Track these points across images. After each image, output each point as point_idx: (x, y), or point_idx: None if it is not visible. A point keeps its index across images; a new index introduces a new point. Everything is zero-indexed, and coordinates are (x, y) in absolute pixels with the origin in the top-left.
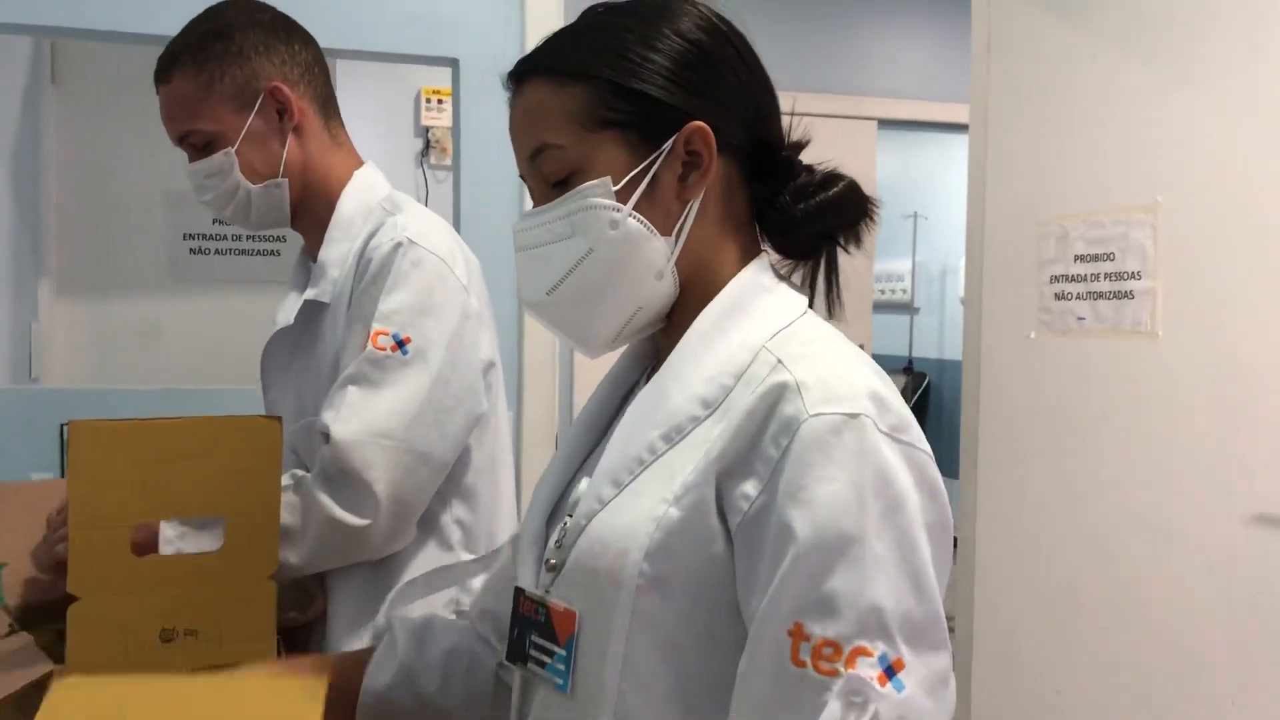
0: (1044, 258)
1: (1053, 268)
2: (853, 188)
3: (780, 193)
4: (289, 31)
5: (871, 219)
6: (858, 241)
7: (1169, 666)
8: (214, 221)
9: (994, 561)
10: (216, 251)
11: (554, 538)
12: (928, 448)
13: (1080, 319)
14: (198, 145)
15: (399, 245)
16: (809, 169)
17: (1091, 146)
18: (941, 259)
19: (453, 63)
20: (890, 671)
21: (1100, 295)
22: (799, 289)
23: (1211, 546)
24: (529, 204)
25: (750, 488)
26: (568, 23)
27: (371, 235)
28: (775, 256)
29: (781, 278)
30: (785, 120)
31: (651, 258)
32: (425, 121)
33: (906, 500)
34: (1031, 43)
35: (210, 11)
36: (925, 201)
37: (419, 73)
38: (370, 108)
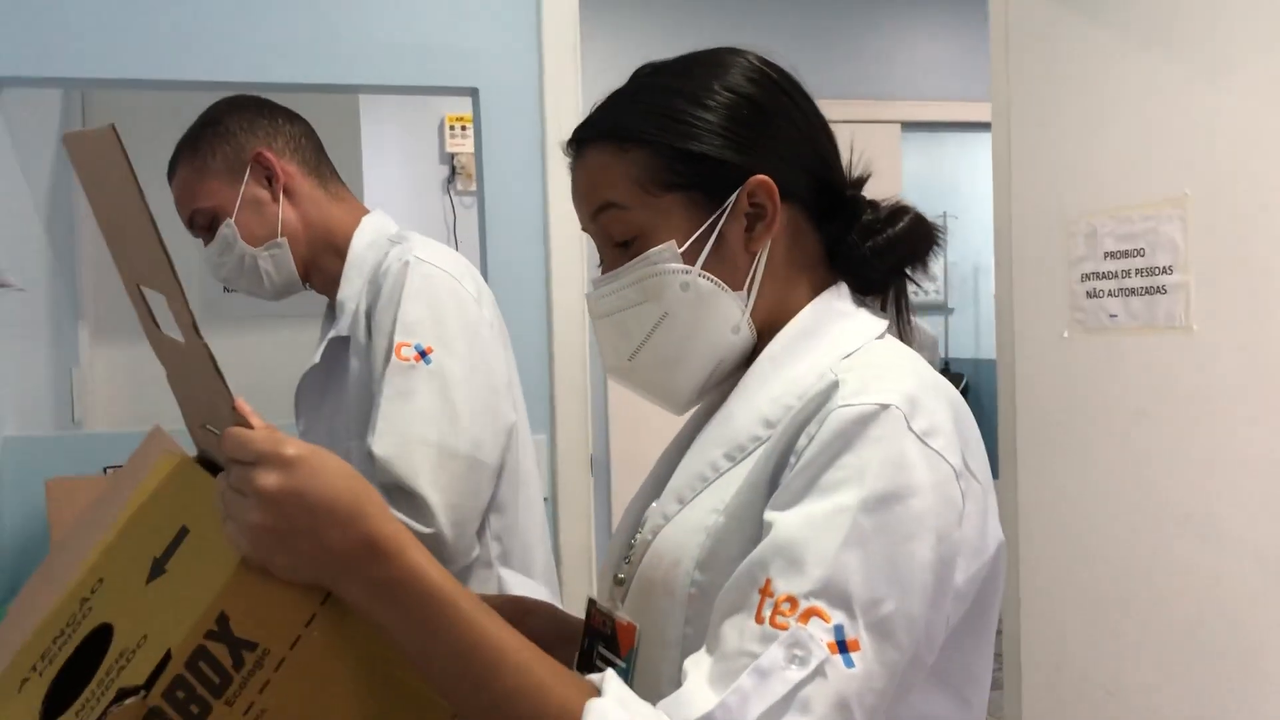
0: (1073, 256)
1: (1083, 265)
2: (918, 220)
3: (849, 232)
4: (272, 110)
5: (939, 243)
6: (925, 270)
7: (1223, 664)
8: None
9: (1038, 563)
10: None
11: (626, 554)
12: (959, 464)
13: (1113, 316)
14: (204, 226)
15: (408, 263)
16: (874, 205)
17: (1116, 141)
18: (974, 257)
19: (472, 92)
20: (843, 646)
21: (1132, 291)
22: (878, 313)
23: (1258, 541)
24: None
25: (784, 479)
26: (580, 47)
27: (379, 264)
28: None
29: (862, 304)
30: (845, 155)
31: (726, 313)
32: (450, 148)
33: (914, 494)
34: (1050, 39)
35: (203, 112)
36: (954, 201)
37: (443, 100)
38: (396, 136)
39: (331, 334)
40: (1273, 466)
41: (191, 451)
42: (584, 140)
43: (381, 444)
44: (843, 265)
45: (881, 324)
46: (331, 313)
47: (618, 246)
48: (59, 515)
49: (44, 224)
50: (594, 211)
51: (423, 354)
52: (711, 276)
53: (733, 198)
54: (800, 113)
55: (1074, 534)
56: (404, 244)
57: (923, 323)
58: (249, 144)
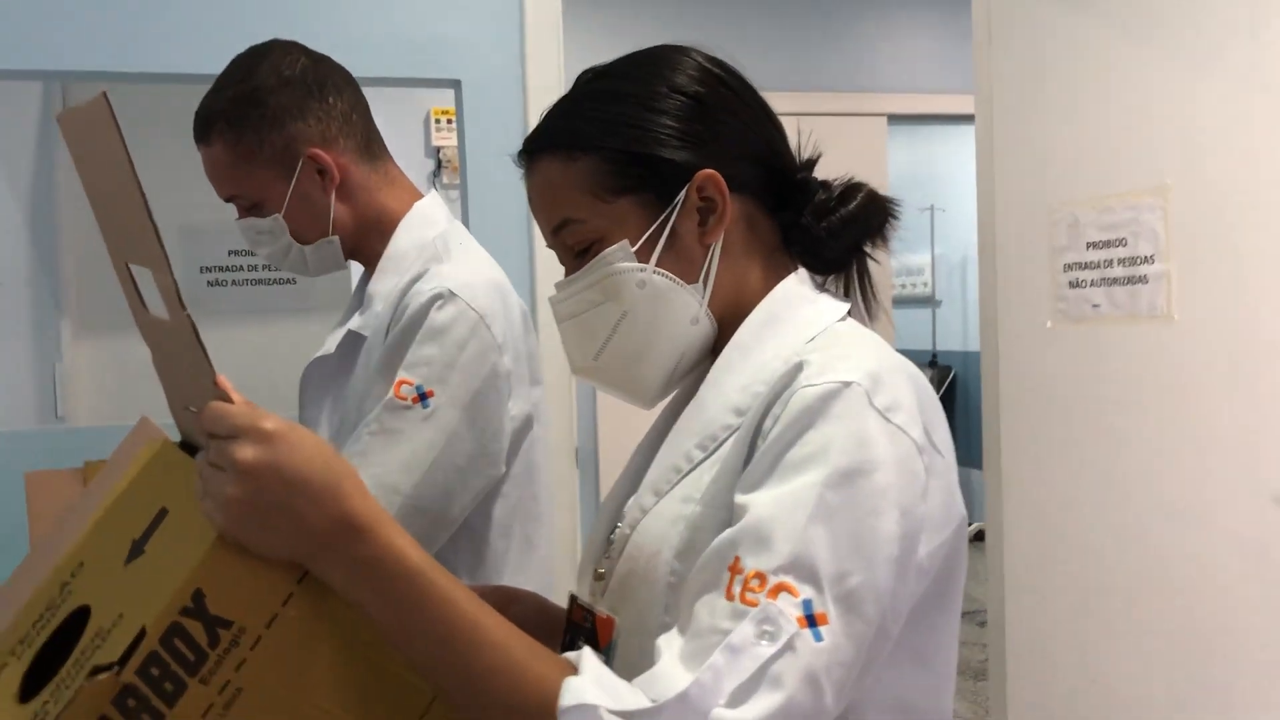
0: (1056, 246)
1: (1065, 255)
2: (871, 197)
3: (802, 214)
4: (321, 84)
5: (895, 217)
6: (884, 241)
7: (1205, 652)
8: (229, 253)
9: (1022, 552)
10: (233, 283)
11: (606, 549)
12: (921, 438)
13: (1096, 306)
14: (245, 206)
15: (438, 296)
16: (825, 185)
17: (1098, 131)
18: (961, 250)
19: (455, 84)
20: (812, 620)
21: (1114, 281)
22: (838, 296)
23: (1240, 528)
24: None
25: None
26: (563, 37)
27: (416, 279)
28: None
29: (821, 288)
30: (794, 139)
31: (684, 307)
32: (436, 142)
33: (877, 469)
34: (1032, 30)
35: (241, 68)
36: (941, 193)
37: (428, 94)
38: (382, 129)
39: (353, 326)
40: (1253, 454)
41: (177, 440)
42: (533, 152)
43: None
44: (799, 248)
45: (843, 307)
46: (361, 297)
47: (578, 256)
48: (38, 508)
49: (25, 219)
50: (553, 229)
51: (422, 396)
52: (666, 273)
53: (681, 194)
54: (744, 105)
55: (1058, 522)
56: (444, 264)
57: None
58: (301, 136)
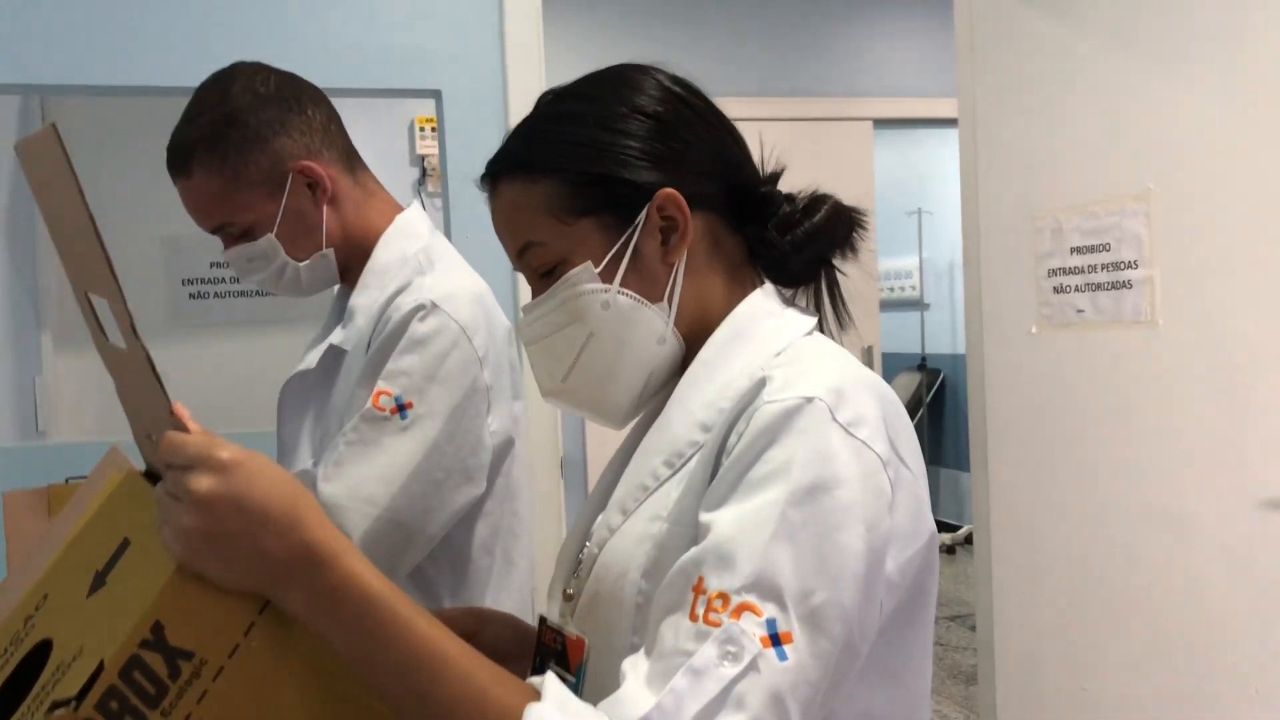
0: (1040, 251)
1: (1050, 261)
2: (836, 209)
3: (766, 229)
4: (298, 97)
5: (863, 227)
6: (853, 252)
7: (1191, 657)
8: (211, 265)
9: (1010, 558)
10: (215, 295)
11: (575, 569)
12: (886, 452)
13: (1080, 311)
14: (235, 234)
15: (420, 307)
16: (790, 198)
17: (1081, 137)
18: (949, 253)
19: (435, 94)
20: (776, 639)
21: (1099, 286)
22: (806, 310)
23: (1226, 533)
24: None
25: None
26: (545, 49)
27: (399, 291)
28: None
29: (789, 302)
30: (757, 151)
31: (650, 326)
32: (420, 150)
33: (841, 484)
34: (1015, 36)
35: (212, 93)
36: (928, 197)
37: (412, 102)
38: (366, 138)
39: (334, 341)
40: (1237, 459)
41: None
42: (495, 175)
43: (327, 487)
44: (765, 262)
45: (810, 321)
46: (340, 312)
47: (543, 278)
48: (15, 528)
49: (4, 231)
50: (517, 252)
51: (401, 407)
52: (630, 293)
53: (642, 214)
54: (704, 122)
55: (1044, 526)
56: (427, 276)
57: None
58: (287, 151)
